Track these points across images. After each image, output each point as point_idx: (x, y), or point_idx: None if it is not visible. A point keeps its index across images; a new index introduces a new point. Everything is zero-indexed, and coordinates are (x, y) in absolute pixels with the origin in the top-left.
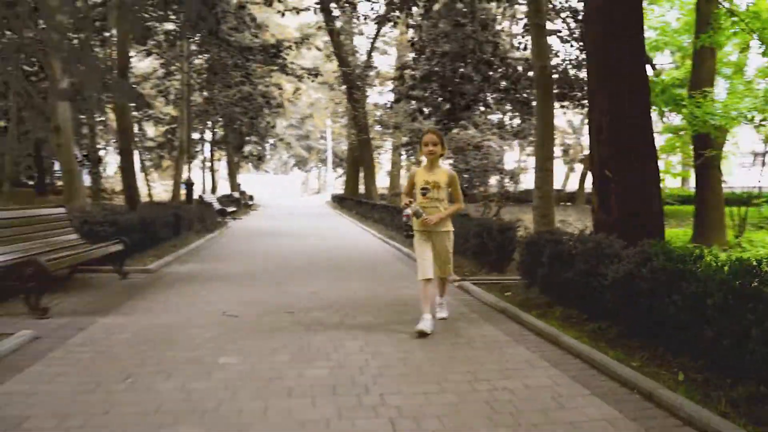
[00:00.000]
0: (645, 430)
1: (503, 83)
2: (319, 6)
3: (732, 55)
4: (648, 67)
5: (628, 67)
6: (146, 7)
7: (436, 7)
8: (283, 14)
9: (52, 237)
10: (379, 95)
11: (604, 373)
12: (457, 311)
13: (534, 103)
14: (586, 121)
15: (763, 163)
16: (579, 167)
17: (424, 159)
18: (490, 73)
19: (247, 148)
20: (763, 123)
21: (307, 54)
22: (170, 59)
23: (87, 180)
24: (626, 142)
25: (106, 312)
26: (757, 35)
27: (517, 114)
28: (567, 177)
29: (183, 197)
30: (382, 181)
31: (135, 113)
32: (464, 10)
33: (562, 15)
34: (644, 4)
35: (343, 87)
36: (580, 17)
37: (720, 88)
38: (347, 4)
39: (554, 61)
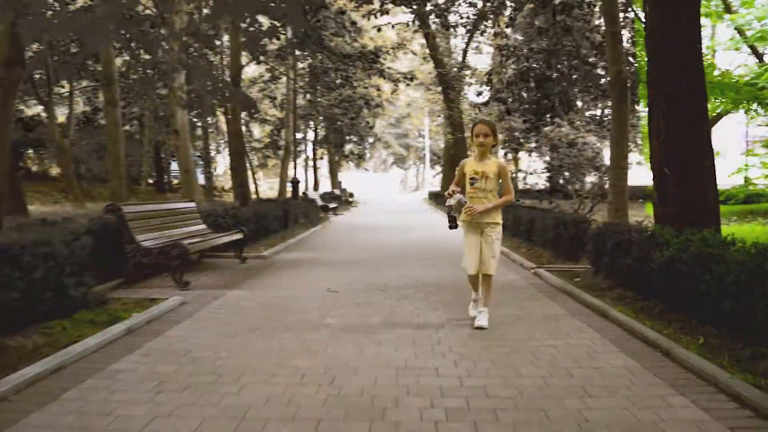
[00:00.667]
0: (654, 375)
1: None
2: (414, 17)
3: None
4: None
5: (684, 75)
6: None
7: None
8: (379, 29)
9: (186, 226)
10: (475, 94)
11: (636, 337)
12: (528, 292)
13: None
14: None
15: None
16: None
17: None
18: (586, 67)
19: (347, 147)
20: None
21: (403, 56)
22: (276, 66)
23: (200, 178)
24: (683, 143)
25: (232, 287)
26: None
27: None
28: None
29: (289, 194)
30: None
31: (243, 116)
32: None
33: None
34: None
35: (439, 87)
36: None
37: None
38: (438, 18)
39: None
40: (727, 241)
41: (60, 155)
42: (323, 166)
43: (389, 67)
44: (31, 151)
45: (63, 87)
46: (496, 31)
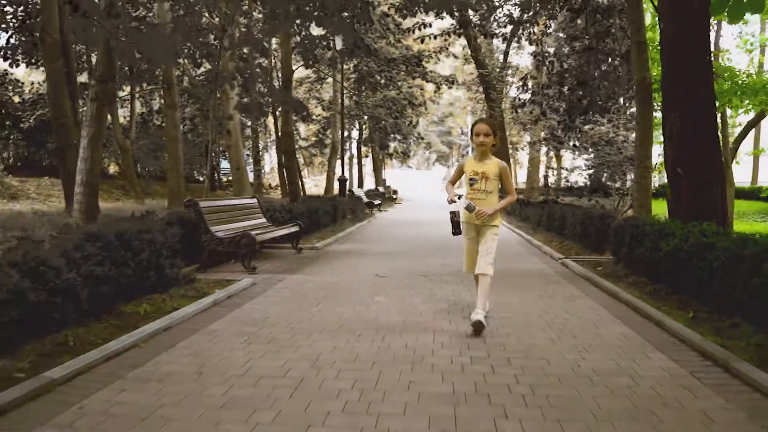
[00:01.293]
0: (643, 338)
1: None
2: (455, 28)
3: None
4: None
5: (694, 85)
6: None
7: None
8: (422, 41)
9: (250, 220)
10: (515, 92)
11: (638, 312)
12: (553, 278)
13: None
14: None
15: None
16: None
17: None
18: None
19: (391, 145)
20: None
21: (445, 58)
22: (324, 70)
23: (250, 176)
24: (693, 145)
25: (292, 272)
26: None
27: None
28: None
29: (335, 191)
30: (521, 176)
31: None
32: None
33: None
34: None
35: (480, 87)
36: None
37: None
38: (476, 28)
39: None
40: (722, 232)
41: (122, 155)
42: (367, 163)
43: (431, 71)
44: None
45: (123, 90)
46: (532, 38)
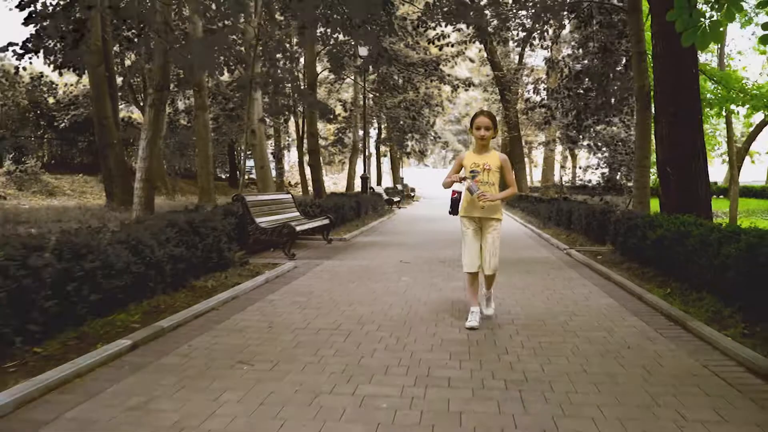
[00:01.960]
0: (624, 307)
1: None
2: (473, 35)
3: None
4: None
5: (682, 95)
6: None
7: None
8: (440, 48)
9: (286, 213)
10: (528, 94)
11: (623, 289)
12: (556, 265)
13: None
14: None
15: None
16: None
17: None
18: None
19: (409, 144)
20: None
21: (462, 61)
22: (346, 74)
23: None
24: (681, 147)
25: (326, 258)
26: None
27: None
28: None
29: (356, 189)
30: (536, 175)
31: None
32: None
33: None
34: None
35: (496, 88)
36: None
37: None
38: (492, 35)
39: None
40: (697, 222)
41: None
42: (385, 162)
43: (449, 75)
44: None
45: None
46: (544, 45)
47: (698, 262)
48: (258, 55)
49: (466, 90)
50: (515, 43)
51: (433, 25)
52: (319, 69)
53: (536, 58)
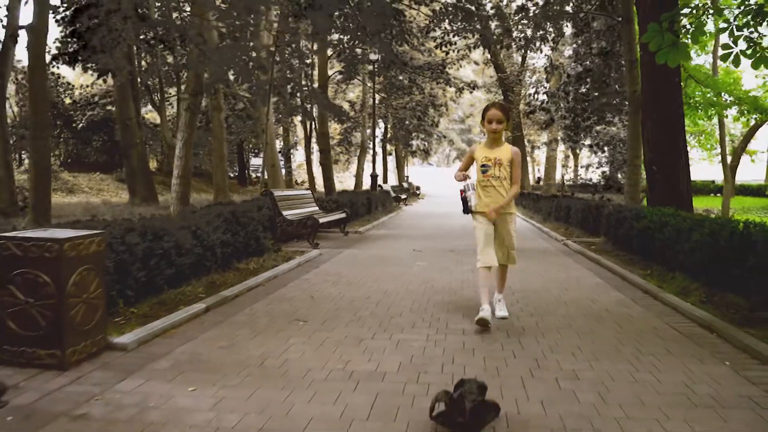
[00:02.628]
0: (610, 285)
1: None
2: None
3: None
4: None
5: (666, 101)
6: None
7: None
8: (446, 53)
9: (307, 207)
10: (529, 97)
11: (611, 271)
12: (553, 253)
13: None
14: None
15: None
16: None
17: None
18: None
19: (414, 143)
20: None
21: (466, 64)
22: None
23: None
24: (664, 147)
25: (346, 247)
26: None
27: None
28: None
29: (364, 186)
30: (540, 174)
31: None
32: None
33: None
34: None
35: (500, 89)
36: None
37: None
38: (496, 39)
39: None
40: (675, 214)
41: (169, 152)
42: (390, 160)
43: (454, 77)
44: None
45: (169, 93)
46: (544, 50)
47: (673, 247)
48: (276, 61)
49: (471, 92)
50: (517, 48)
51: (440, 33)
52: (331, 72)
53: (538, 60)
